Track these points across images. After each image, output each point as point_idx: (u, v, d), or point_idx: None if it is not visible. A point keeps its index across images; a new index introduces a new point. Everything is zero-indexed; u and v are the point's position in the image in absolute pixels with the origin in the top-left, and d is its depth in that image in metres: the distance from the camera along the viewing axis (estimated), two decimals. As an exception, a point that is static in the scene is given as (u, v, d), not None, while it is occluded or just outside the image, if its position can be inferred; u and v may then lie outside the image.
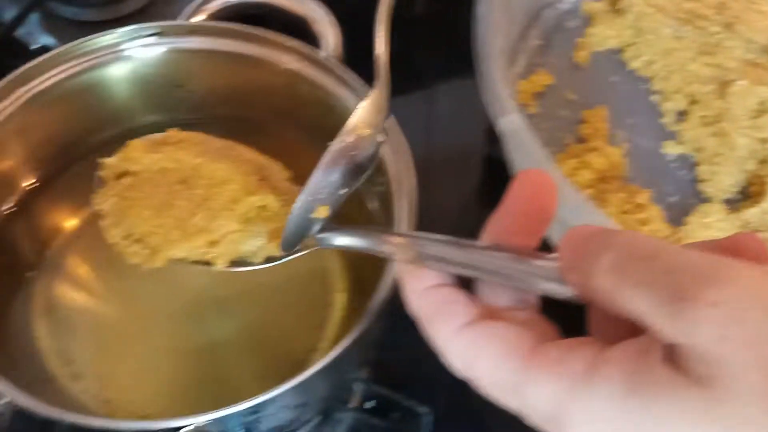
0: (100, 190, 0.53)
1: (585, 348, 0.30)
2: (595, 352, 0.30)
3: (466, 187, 0.80)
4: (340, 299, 0.63)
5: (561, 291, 0.32)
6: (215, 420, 0.48)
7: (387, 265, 0.57)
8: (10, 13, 0.81)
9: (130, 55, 0.63)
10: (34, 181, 0.63)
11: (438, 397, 0.63)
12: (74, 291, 0.62)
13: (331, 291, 0.63)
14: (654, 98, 0.75)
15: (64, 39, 0.81)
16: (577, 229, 0.32)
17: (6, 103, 0.59)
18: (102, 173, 0.53)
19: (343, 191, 0.48)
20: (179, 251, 0.50)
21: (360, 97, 0.58)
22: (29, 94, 0.60)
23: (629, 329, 0.30)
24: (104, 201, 0.52)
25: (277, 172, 0.55)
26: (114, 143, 0.56)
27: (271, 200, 0.52)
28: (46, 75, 0.60)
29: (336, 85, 0.61)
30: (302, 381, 0.48)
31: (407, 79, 0.60)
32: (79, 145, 0.64)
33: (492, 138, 0.80)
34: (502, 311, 0.34)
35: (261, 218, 0.51)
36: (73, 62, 0.61)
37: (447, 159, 0.80)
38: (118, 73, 0.63)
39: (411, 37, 0.88)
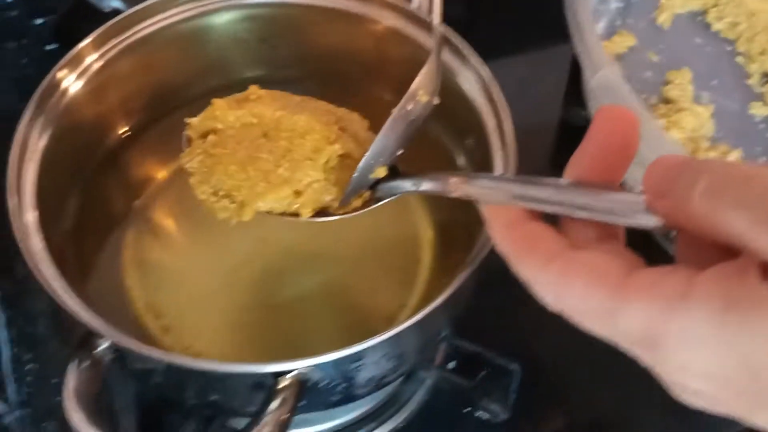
0: (187, 149, 0.53)
1: (677, 272, 0.30)
2: (687, 275, 0.30)
3: (541, 151, 0.80)
4: (427, 255, 0.62)
5: (647, 221, 0.32)
6: (319, 365, 0.47)
7: (477, 221, 0.57)
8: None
9: (221, 7, 0.62)
10: (126, 129, 0.63)
11: (523, 355, 0.63)
12: (162, 244, 0.62)
13: (418, 247, 0.62)
14: (739, 60, 0.73)
15: (130, 1, 0.81)
16: (664, 159, 0.32)
17: (107, 47, 0.59)
18: (188, 132, 0.54)
19: (399, 152, 0.51)
20: (265, 203, 0.51)
21: (450, 48, 0.59)
22: (130, 40, 0.60)
23: (719, 255, 0.30)
24: (191, 159, 0.52)
25: (357, 121, 0.55)
26: (202, 98, 0.56)
27: (352, 148, 0.53)
28: (147, 22, 0.60)
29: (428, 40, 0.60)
30: (410, 325, 0.48)
31: (483, 47, 0.61)
32: (171, 98, 0.64)
33: (568, 103, 0.80)
34: (589, 244, 0.34)
35: (343, 167, 0.52)
36: (172, 11, 0.61)
37: (522, 124, 0.79)
38: (209, 26, 0.63)
39: (487, 6, 0.88)
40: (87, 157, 0.60)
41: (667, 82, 0.71)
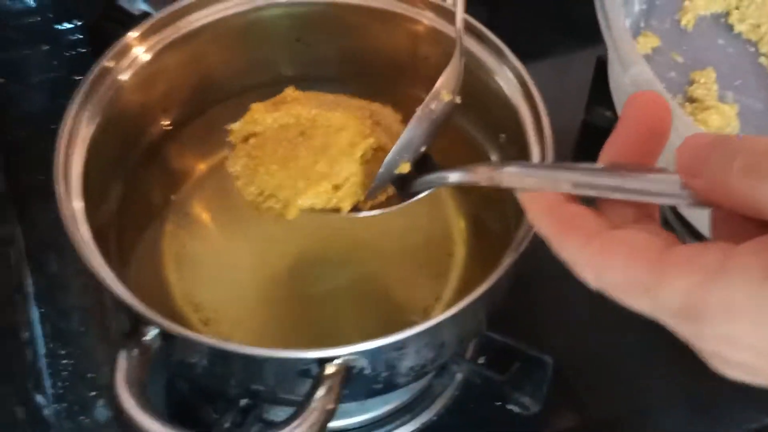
0: (231, 154, 0.55)
1: (714, 246, 0.31)
2: (725, 248, 0.30)
3: (564, 153, 0.80)
4: (460, 249, 0.63)
5: (682, 200, 0.33)
6: (364, 352, 0.48)
7: (510, 214, 0.58)
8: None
9: (260, 6, 0.63)
10: (168, 122, 0.64)
11: (554, 348, 0.63)
12: (200, 237, 0.63)
13: (451, 240, 0.63)
14: (762, 60, 0.74)
15: (158, 3, 0.82)
16: (693, 138, 0.32)
17: (154, 40, 0.60)
18: (230, 138, 0.55)
19: (423, 148, 0.53)
20: (307, 199, 0.52)
21: (488, 47, 0.60)
22: (176, 35, 0.61)
23: (756, 229, 0.31)
24: (236, 163, 0.54)
25: (390, 115, 0.57)
26: (240, 95, 0.61)
27: (386, 141, 0.54)
28: (192, 17, 0.61)
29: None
30: (453, 315, 0.48)
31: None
32: (212, 93, 0.65)
33: (591, 105, 0.81)
34: (626, 225, 0.35)
35: (378, 160, 0.53)
36: (216, 7, 0.62)
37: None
38: (249, 23, 0.64)
39: (508, 8, 0.89)
40: (130, 148, 0.61)
41: (691, 82, 0.72)
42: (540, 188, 0.37)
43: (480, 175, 0.44)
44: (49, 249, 0.72)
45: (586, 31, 0.88)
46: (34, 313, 0.69)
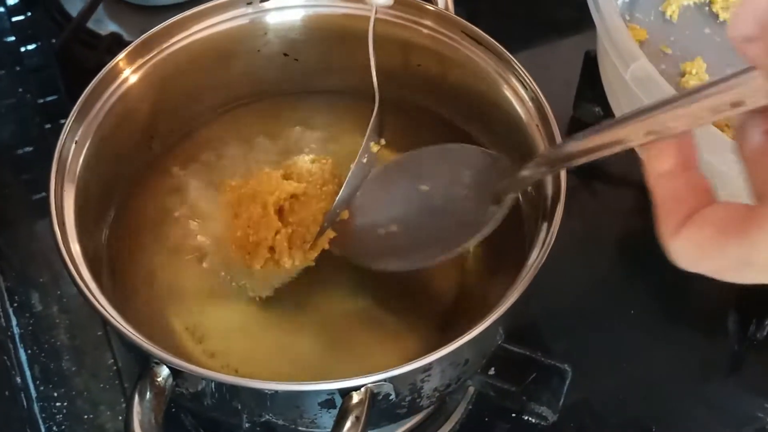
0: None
1: None
2: None
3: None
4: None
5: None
6: (391, 378, 0.46)
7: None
8: (76, 6, 0.80)
9: (245, 23, 0.61)
10: (157, 145, 0.62)
11: (571, 355, 0.62)
12: (194, 266, 0.60)
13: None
14: (749, 48, 0.74)
15: (128, 25, 0.80)
16: (750, 3, 0.30)
17: (139, 62, 0.58)
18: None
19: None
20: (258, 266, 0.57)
21: (485, 48, 0.58)
22: (163, 54, 0.58)
23: None
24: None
25: (301, 161, 0.60)
26: (228, 111, 0.62)
27: (296, 187, 0.57)
28: (178, 36, 0.59)
29: (458, 41, 0.60)
30: (477, 335, 0.47)
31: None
32: (199, 112, 0.64)
33: (579, 100, 0.79)
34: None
35: (301, 205, 0.57)
36: (197, 26, 0.59)
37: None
38: (234, 39, 0.62)
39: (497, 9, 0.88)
40: (120, 177, 0.59)
41: (683, 73, 0.71)
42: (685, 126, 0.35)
43: (600, 139, 0.39)
44: (30, 287, 0.69)
45: (567, 24, 0.88)
46: (21, 356, 0.65)
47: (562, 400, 0.62)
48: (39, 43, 0.81)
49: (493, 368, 0.63)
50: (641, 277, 0.72)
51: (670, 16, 0.75)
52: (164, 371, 0.46)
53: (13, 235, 0.72)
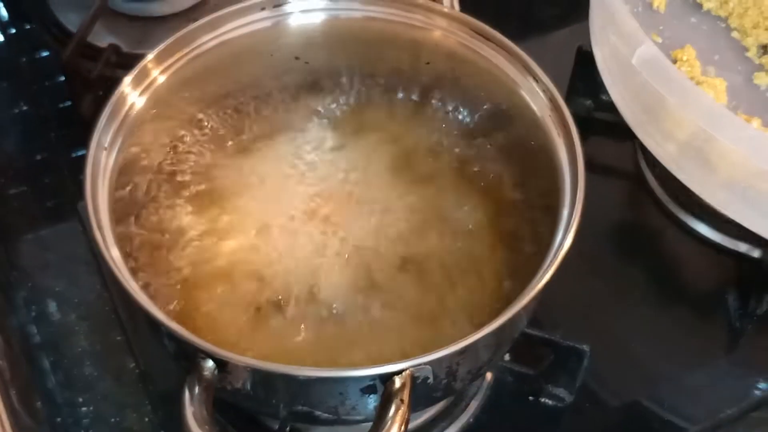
0: None
1: None
2: None
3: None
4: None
5: None
6: (429, 362, 0.47)
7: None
8: (74, 19, 0.81)
9: (260, 27, 0.62)
10: (182, 146, 0.63)
11: (588, 337, 0.63)
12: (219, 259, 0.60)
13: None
14: (734, 35, 0.76)
15: (125, 36, 0.80)
16: None
17: (168, 62, 0.59)
18: None
19: None
20: None
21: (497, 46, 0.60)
22: (190, 56, 0.60)
23: None
24: None
25: None
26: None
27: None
28: (202, 39, 0.60)
29: (469, 39, 0.61)
30: (514, 314, 0.48)
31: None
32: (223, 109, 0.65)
33: (571, 94, 0.81)
34: None
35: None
36: (219, 31, 0.60)
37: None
38: (248, 44, 0.63)
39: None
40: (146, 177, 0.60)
41: (675, 60, 0.73)
42: None
43: None
44: (47, 296, 0.69)
45: (556, 19, 0.90)
46: (44, 363, 0.66)
47: (578, 381, 0.64)
48: (39, 55, 0.82)
49: (508, 354, 0.65)
50: (642, 261, 0.75)
51: (658, 6, 0.77)
52: (209, 364, 0.47)
53: (25, 245, 0.72)
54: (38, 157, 0.78)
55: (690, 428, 0.65)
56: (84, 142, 0.54)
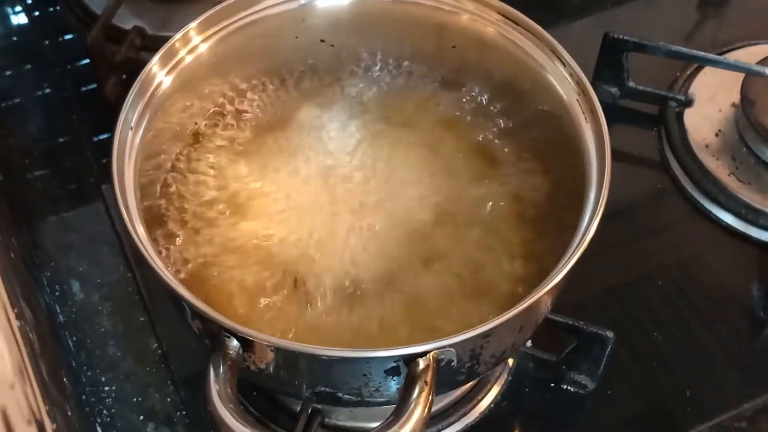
0: None
1: None
2: None
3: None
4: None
5: None
6: (453, 344, 0.47)
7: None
8: (99, 2, 0.81)
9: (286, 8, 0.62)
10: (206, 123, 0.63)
11: (611, 324, 0.63)
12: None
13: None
14: None
15: (150, 19, 0.80)
16: None
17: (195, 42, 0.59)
18: None
19: None
20: None
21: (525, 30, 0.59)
22: (219, 35, 0.60)
23: None
24: None
25: None
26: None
27: None
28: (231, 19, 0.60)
29: (496, 23, 0.61)
30: (537, 298, 0.48)
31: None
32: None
33: (597, 81, 0.81)
34: None
35: None
36: (242, 13, 0.61)
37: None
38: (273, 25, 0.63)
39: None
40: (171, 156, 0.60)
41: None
42: None
43: None
44: (70, 277, 0.70)
45: (580, 7, 0.90)
46: (67, 343, 0.66)
47: (601, 368, 0.63)
48: (63, 38, 0.82)
49: (530, 341, 0.65)
50: (667, 250, 0.74)
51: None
52: (234, 343, 0.47)
53: (48, 226, 0.73)
54: (61, 140, 0.78)
55: (713, 418, 0.65)
56: (107, 125, 0.55)
